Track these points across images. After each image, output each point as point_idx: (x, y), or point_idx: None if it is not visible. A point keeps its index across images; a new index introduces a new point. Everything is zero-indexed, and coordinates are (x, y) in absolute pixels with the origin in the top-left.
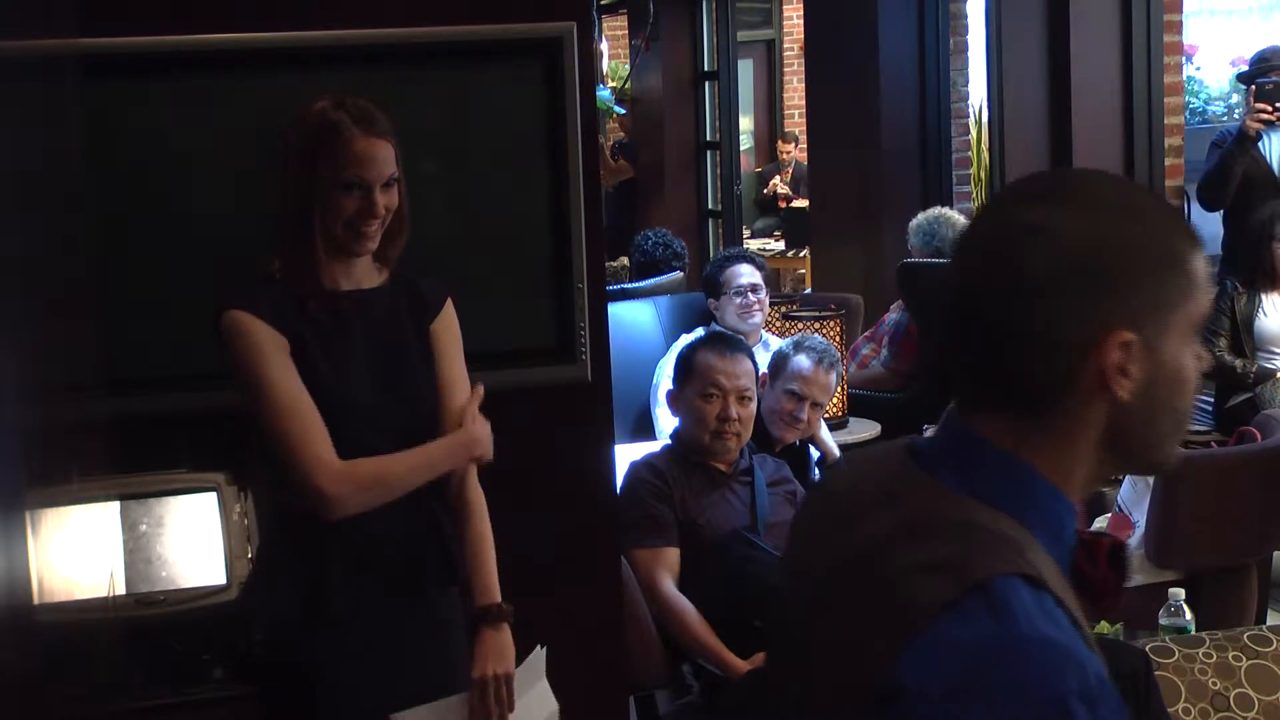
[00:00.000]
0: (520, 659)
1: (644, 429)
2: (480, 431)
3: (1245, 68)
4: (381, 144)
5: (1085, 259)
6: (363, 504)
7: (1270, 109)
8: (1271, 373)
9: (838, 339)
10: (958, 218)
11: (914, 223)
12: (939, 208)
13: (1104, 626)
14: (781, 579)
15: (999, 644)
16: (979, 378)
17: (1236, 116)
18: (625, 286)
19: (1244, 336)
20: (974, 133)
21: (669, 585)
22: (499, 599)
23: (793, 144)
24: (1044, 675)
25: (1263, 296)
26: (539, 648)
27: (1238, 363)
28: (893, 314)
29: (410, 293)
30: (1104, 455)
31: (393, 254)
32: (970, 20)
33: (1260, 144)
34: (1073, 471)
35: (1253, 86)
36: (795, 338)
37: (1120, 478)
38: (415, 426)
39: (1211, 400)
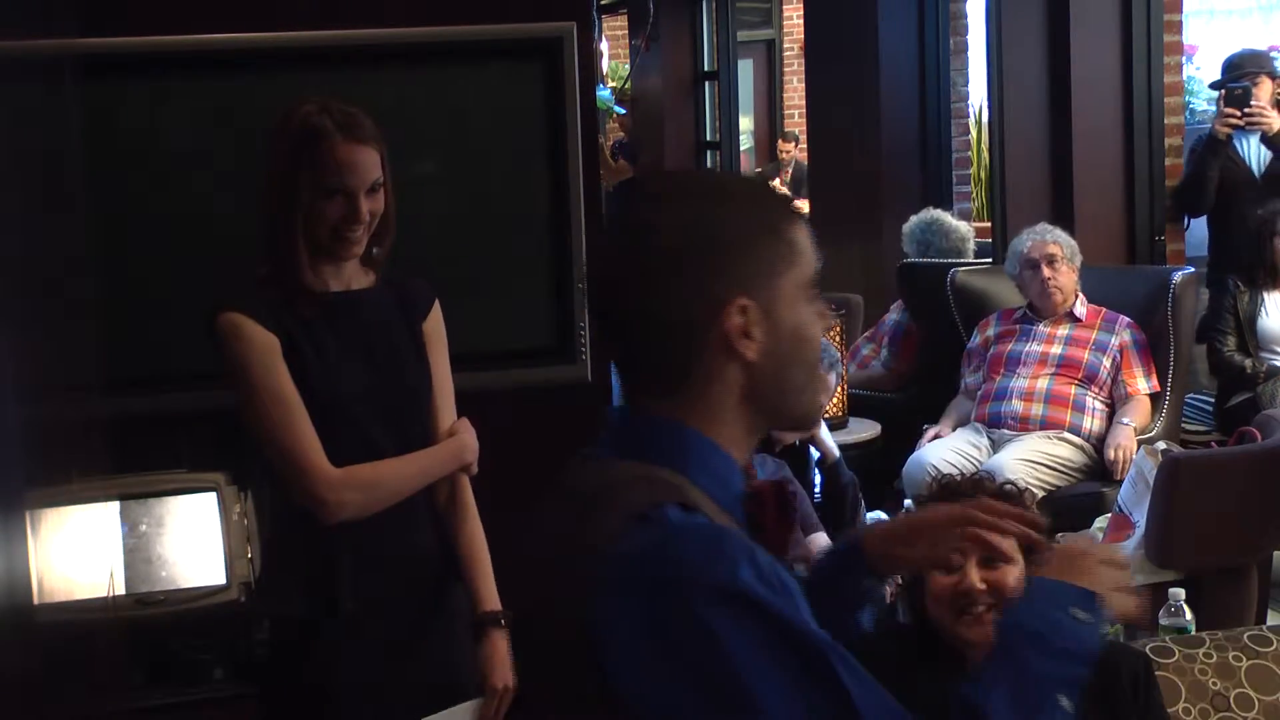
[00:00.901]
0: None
1: None
2: (471, 439)
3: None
4: (365, 150)
5: (690, 242)
6: (360, 510)
7: (1238, 114)
8: (1276, 371)
9: (838, 339)
10: (949, 220)
11: (906, 227)
12: (931, 210)
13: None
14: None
15: (661, 541)
16: (631, 363)
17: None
18: None
19: (1247, 334)
20: (974, 133)
21: None
22: (499, 605)
23: (793, 144)
24: (707, 551)
25: (1265, 295)
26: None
27: (1246, 362)
28: (893, 314)
29: (399, 293)
30: (750, 412)
31: (380, 257)
32: (970, 20)
33: (1239, 147)
34: (725, 429)
35: (1223, 91)
36: None
37: (1119, 478)
38: (414, 422)
39: (1213, 400)
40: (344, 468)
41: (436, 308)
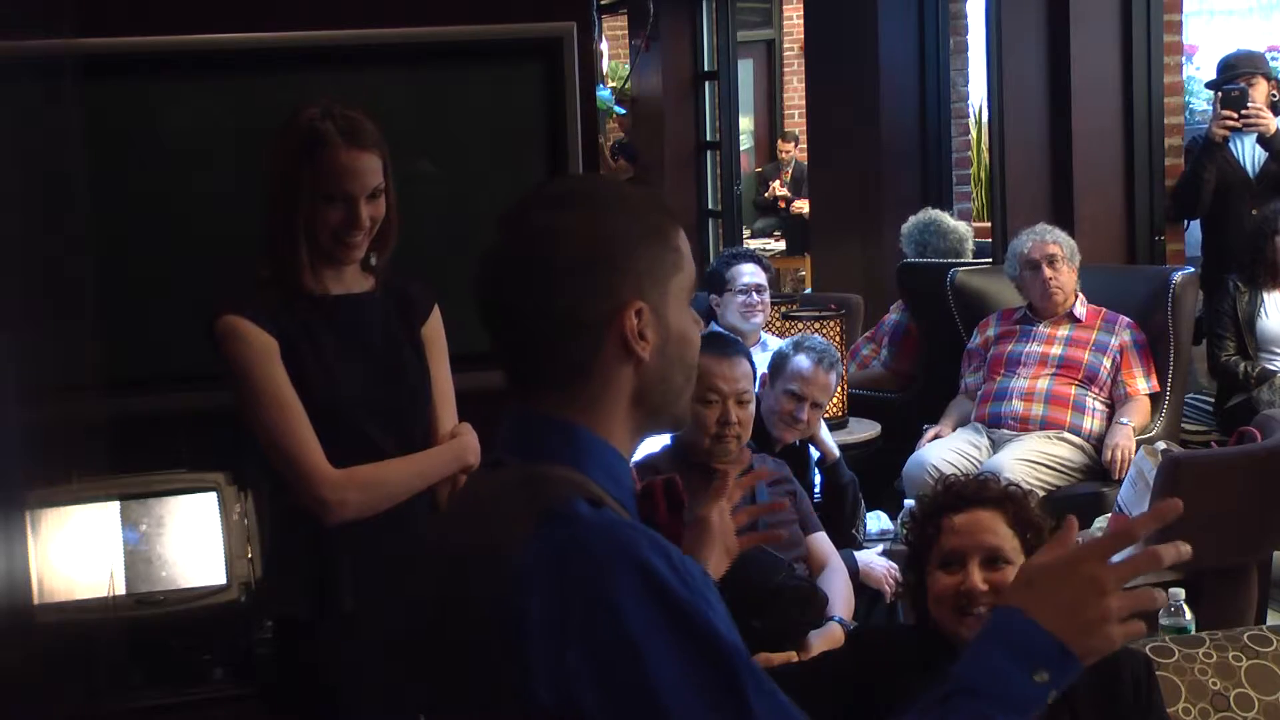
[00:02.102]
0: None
1: None
2: (472, 440)
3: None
4: (366, 156)
5: (590, 247)
6: (360, 510)
7: (1235, 115)
8: (1272, 374)
9: (838, 339)
10: (947, 220)
11: (904, 228)
12: (929, 210)
13: None
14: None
15: (572, 538)
16: (524, 364)
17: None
18: None
19: (1246, 336)
20: (974, 133)
21: None
22: None
23: (792, 144)
24: (617, 545)
25: (1264, 296)
26: None
27: (1242, 366)
28: (893, 314)
29: (400, 297)
30: (637, 414)
31: (381, 261)
32: (970, 20)
33: (1234, 148)
34: (615, 428)
35: (1219, 93)
36: (795, 338)
37: (1119, 478)
38: (414, 423)
39: (1213, 400)
40: (344, 469)
41: (436, 311)
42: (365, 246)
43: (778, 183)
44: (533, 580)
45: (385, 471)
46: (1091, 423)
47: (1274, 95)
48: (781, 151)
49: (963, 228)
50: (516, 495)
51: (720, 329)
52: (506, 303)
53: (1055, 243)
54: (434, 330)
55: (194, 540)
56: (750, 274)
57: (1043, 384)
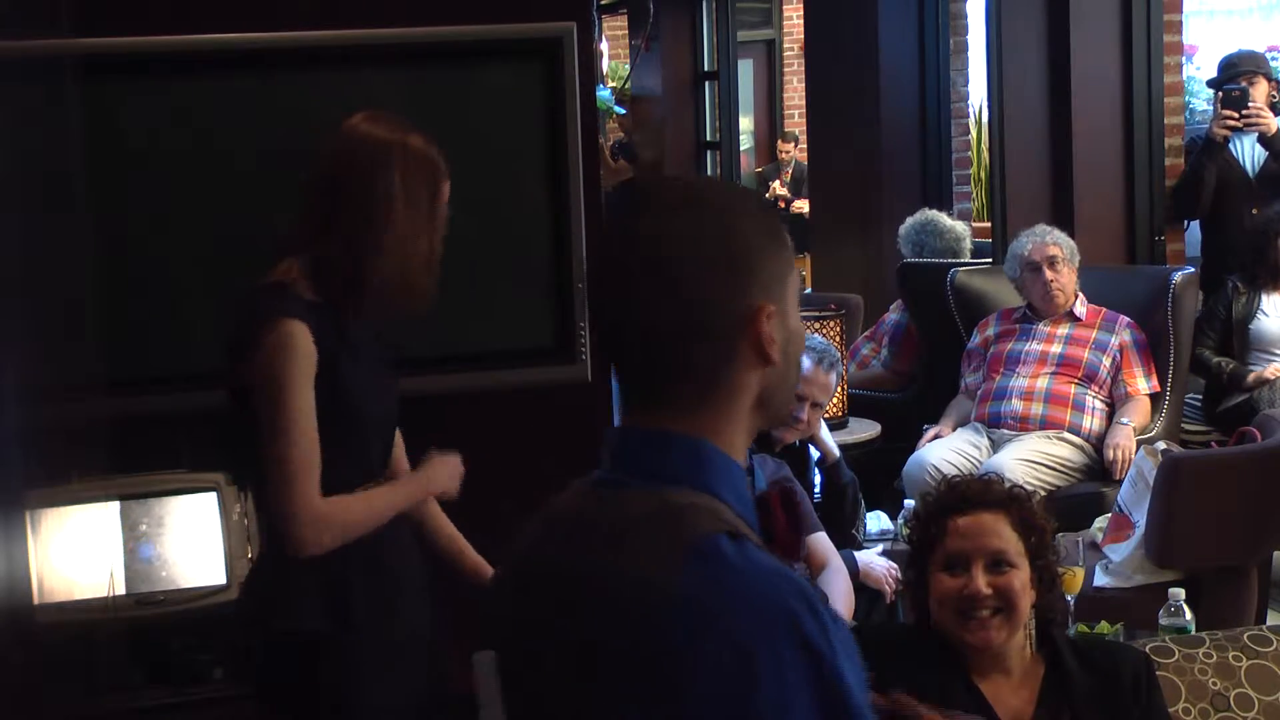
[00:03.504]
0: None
1: None
2: (442, 471)
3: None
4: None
5: (716, 248)
6: (324, 548)
7: (1236, 115)
8: (1244, 375)
9: (838, 339)
10: (944, 220)
11: (903, 229)
12: (927, 211)
13: (1104, 627)
14: (502, 672)
15: (719, 581)
16: (649, 376)
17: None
18: None
19: (1237, 336)
20: (974, 133)
21: None
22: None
23: (792, 144)
24: (764, 593)
25: (1264, 297)
26: None
27: (1214, 361)
28: (893, 314)
29: None
30: (756, 416)
31: None
32: (970, 20)
33: (1234, 148)
34: (735, 438)
35: (1219, 93)
36: None
37: (1119, 478)
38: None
39: (1200, 399)
40: (329, 503)
41: None
42: None
43: (777, 183)
44: (682, 620)
45: (361, 507)
46: (1091, 422)
47: (1274, 95)
48: (781, 151)
49: (960, 227)
50: (655, 527)
51: None
52: (630, 314)
53: (1055, 244)
54: None
55: (194, 540)
56: None
57: (1042, 383)
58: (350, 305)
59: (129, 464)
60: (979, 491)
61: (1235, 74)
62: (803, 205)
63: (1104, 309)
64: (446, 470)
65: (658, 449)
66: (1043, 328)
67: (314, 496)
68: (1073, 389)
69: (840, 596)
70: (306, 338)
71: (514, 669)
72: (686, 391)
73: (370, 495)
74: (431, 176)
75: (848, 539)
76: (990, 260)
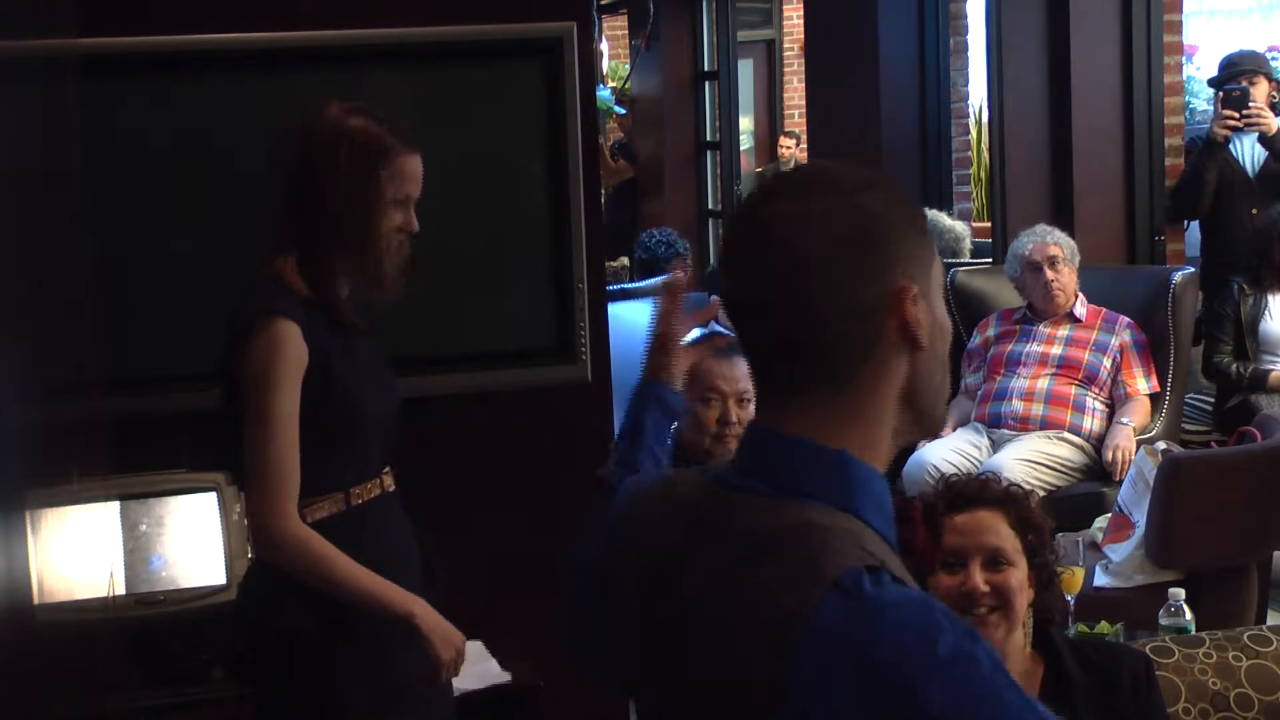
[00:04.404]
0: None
1: None
2: (437, 625)
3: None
4: (419, 158)
5: (852, 227)
6: (273, 561)
7: (1236, 115)
8: (1264, 375)
9: None
10: (943, 220)
11: None
12: (927, 211)
13: (1104, 627)
14: (627, 627)
15: (865, 617)
16: (778, 374)
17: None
18: (625, 286)
19: (1247, 338)
20: (974, 133)
21: None
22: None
23: (794, 141)
24: (915, 627)
25: (1269, 298)
26: None
27: (1234, 367)
28: None
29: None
30: (904, 415)
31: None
32: (970, 20)
33: (1234, 148)
34: (879, 443)
35: (1220, 92)
36: None
37: (1119, 478)
38: (395, 433)
39: (1213, 401)
40: (295, 524)
41: None
42: None
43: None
44: (820, 660)
45: (327, 554)
46: (1091, 423)
47: (1274, 95)
48: (783, 148)
49: (959, 227)
50: (792, 548)
51: (721, 328)
52: (765, 301)
53: (1056, 244)
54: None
55: (194, 540)
56: None
57: (1043, 384)
58: (334, 298)
59: (129, 464)
60: (976, 489)
61: (1236, 74)
62: None
63: (1104, 309)
64: (444, 635)
65: (801, 461)
66: (1043, 329)
67: (280, 505)
68: (1073, 390)
69: None
70: (296, 338)
71: (643, 663)
72: (826, 391)
73: (348, 561)
74: (376, 154)
75: None
76: (990, 260)
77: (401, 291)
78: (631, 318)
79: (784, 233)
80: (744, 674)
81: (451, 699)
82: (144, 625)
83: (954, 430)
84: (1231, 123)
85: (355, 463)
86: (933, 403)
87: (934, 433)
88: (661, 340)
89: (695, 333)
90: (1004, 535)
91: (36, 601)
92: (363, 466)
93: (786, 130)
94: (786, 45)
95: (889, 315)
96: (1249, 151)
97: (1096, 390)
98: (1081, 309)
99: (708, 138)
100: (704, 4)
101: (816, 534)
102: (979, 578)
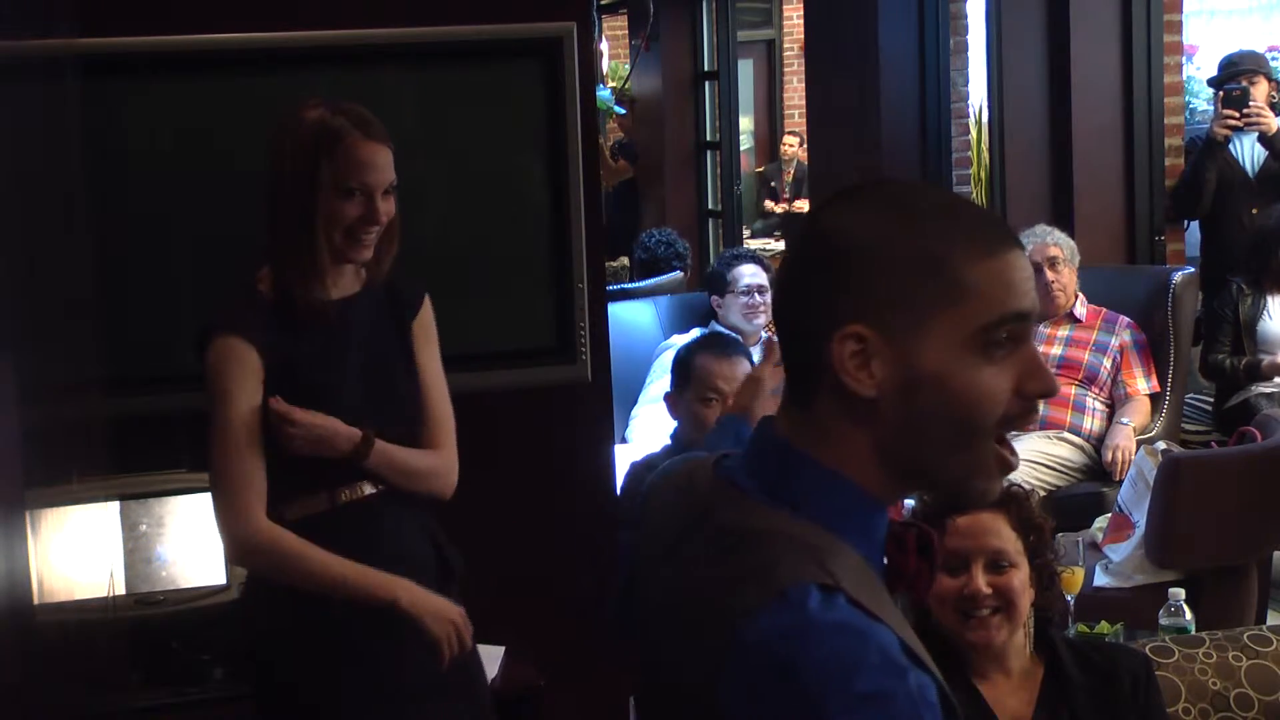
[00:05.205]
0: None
1: None
2: (427, 601)
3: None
4: (383, 149)
5: (829, 252)
6: (249, 568)
7: (1236, 115)
8: (1257, 364)
9: None
10: None
11: None
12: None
13: (1104, 627)
14: (637, 609)
15: (797, 633)
16: (793, 383)
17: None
18: (625, 286)
19: (1245, 338)
20: (974, 133)
21: None
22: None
23: (796, 140)
24: (841, 657)
25: (1269, 299)
26: None
27: (1229, 362)
28: None
29: (390, 294)
30: (889, 467)
31: (385, 264)
32: (970, 20)
33: (1234, 148)
34: (866, 469)
35: (1220, 92)
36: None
37: (1120, 478)
38: (404, 431)
39: (1213, 401)
40: (266, 529)
41: (427, 303)
42: (374, 246)
43: (773, 204)
44: (744, 666)
45: (301, 552)
46: (1091, 423)
47: (1274, 95)
48: (785, 145)
49: None
50: (753, 551)
51: (721, 329)
52: (780, 308)
53: (1056, 244)
54: (424, 323)
55: (194, 540)
56: (751, 275)
57: None
58: (292, 299)
59: (129, 464)
60: None
61: (1235, 73)
62: (803, 205)
63: (1104, 309)
64: (434, 612)
65: (790, 472)
66: (1043, 329)
67: (242, 509)
68: (1073, 390)
69: None
70: (242, 350)
71: (641, 652)
72: (798, 408)
73: (322, 554)
74: (318, 141)
75: None
76: None
77: (363, 283)
78: (631, 318)
79: (792, 244)
80: (689, 668)
81: (485, 687)
82: (144, 625)
83: None
84: (1231, 122)
85: (339, 462)
86: (923, 461)
87: (963, 500)
88: (754, 382)
89: (695, 332)
90: (1006, 536)
91: (36, 601)
92: (348, 465)
93: (789, 130)
94: (786, 45)
95: (827, 351)
96: (1249, 151)
97: (1096, 390)
98: (1081, 309)
99: (707, 138)
100: (704, 4)
101: (779, 542)
102: (981, 580)
